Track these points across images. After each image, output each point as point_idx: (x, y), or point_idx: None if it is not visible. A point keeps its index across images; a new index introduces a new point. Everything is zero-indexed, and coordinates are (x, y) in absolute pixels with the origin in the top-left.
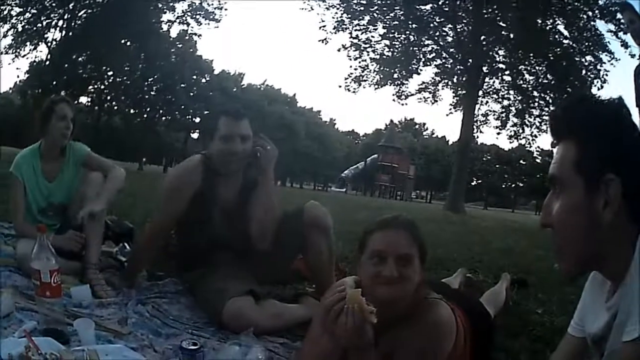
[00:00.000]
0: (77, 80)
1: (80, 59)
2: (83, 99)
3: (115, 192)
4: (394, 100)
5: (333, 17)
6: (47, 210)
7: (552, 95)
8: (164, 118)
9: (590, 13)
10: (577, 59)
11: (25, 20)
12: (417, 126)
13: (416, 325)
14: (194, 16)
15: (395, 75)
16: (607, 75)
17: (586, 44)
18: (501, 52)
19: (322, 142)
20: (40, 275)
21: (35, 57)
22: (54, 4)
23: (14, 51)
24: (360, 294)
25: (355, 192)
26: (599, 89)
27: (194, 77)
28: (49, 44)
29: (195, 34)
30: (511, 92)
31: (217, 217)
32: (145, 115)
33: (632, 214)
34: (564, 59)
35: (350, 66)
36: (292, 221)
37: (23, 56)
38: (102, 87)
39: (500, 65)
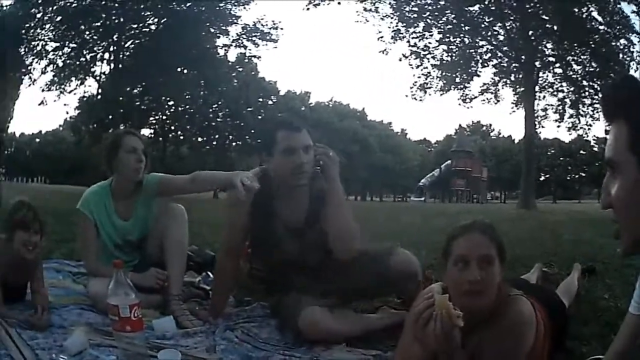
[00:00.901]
0: (135, 112)
1: (135, 90)
2: (145, 131)
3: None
4: (459, 104)
5: (389, 27)
6: (124, 247)
7: (599, 82)
8: (234, 143)
9: None
10: (613, 43)
11: (65, 55)
12: (484, 128)
13: (500, 323)
14: (250, 38)
15: (457, 80)
16: None
17: (618, 27)
18: (549, 45)
19: (396, 153)
20: (118, 311)
21: (85, 92)
22: (95, 37)
23: (57, 87)
24: (447, 299)
25: (434, 199)
26: (635, 71)
27: (260, 99)
28: (98, 78)
29: (255, 56)
30: (564, 84)
31: (285, 235)
32: (214, 142)
33: None
34: (603, 46)
35: (414, 75)
36: (379, 265)
37: (70, 92)
38: (164, 117)
39: (550, 59)
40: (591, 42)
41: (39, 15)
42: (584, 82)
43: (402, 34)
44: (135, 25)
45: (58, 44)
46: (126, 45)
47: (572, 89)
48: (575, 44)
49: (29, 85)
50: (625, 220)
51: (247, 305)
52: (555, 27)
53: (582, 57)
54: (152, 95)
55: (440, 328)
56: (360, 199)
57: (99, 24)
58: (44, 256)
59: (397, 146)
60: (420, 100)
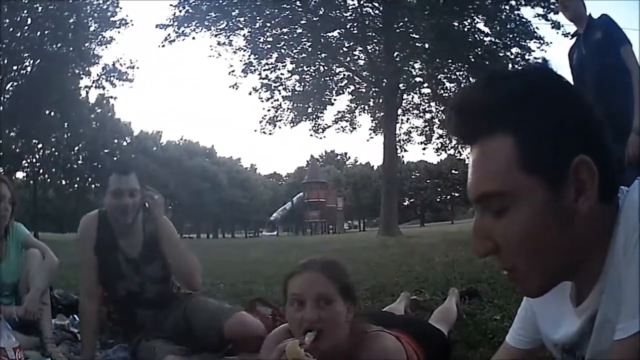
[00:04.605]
0: (11, 156)
1: (12, 134)
2: (19, 174)
3: (48, 282)
4: (311, 135)
5: (241, 60)
6: (2, 290)
7: None
8: (93, 186)
9: (513, 2)
10: (501, 54)
11: None
12: (338, 157)
13: None
14: (108, 78)
15: (310, 110)
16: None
17: (510, 36)
18: (417, 65)
19: (246, 189)
20: (6, 354)
21: None
22: None
23: None
24: (297, 345)
25: (287, 233)
26: None
27: (115, 140)
28: None
29: (112, 97)
30: (432, 104)
31: (127, 267)
32: (76, 185)
33: (605, 192)
34: (486, 59)
35: (263, 108)
36: (214, 323)
37: None
38: (34, 160)
39: (418, 79)
40: (471, 57)
41: None
42: None
43: (254, 66)
44: (15, 67)
45: None
46: (7, 88)
47: (442, 108)
48: (450, 61)
49: None
50: (534, 262)
51: (110, 347)
52: (426, 45)
53: (457, 74)
54: (24, 138)
55: None
56: (213, 236)
57: None
58: None
59: (247, 181)
60: (270, 133)
